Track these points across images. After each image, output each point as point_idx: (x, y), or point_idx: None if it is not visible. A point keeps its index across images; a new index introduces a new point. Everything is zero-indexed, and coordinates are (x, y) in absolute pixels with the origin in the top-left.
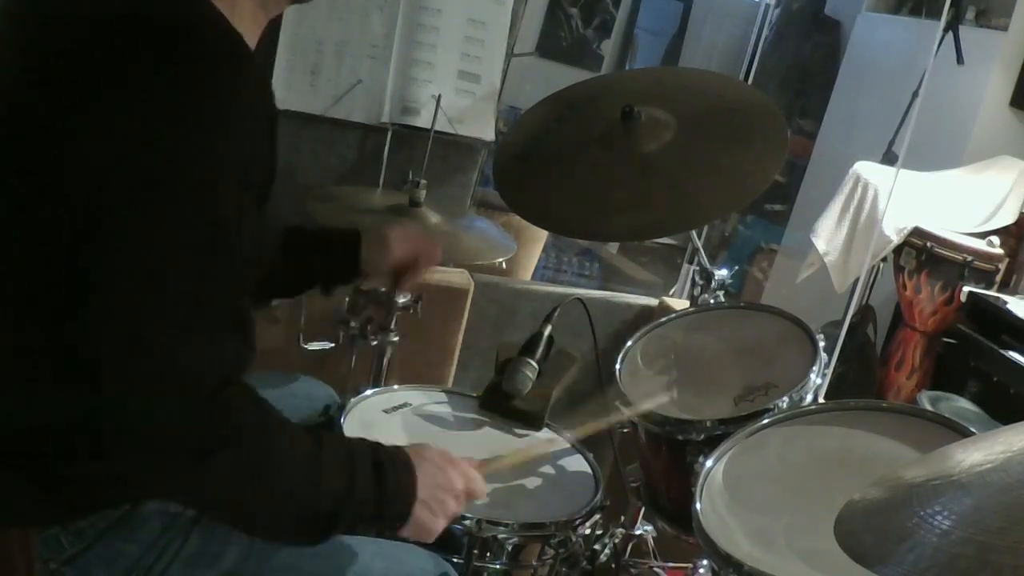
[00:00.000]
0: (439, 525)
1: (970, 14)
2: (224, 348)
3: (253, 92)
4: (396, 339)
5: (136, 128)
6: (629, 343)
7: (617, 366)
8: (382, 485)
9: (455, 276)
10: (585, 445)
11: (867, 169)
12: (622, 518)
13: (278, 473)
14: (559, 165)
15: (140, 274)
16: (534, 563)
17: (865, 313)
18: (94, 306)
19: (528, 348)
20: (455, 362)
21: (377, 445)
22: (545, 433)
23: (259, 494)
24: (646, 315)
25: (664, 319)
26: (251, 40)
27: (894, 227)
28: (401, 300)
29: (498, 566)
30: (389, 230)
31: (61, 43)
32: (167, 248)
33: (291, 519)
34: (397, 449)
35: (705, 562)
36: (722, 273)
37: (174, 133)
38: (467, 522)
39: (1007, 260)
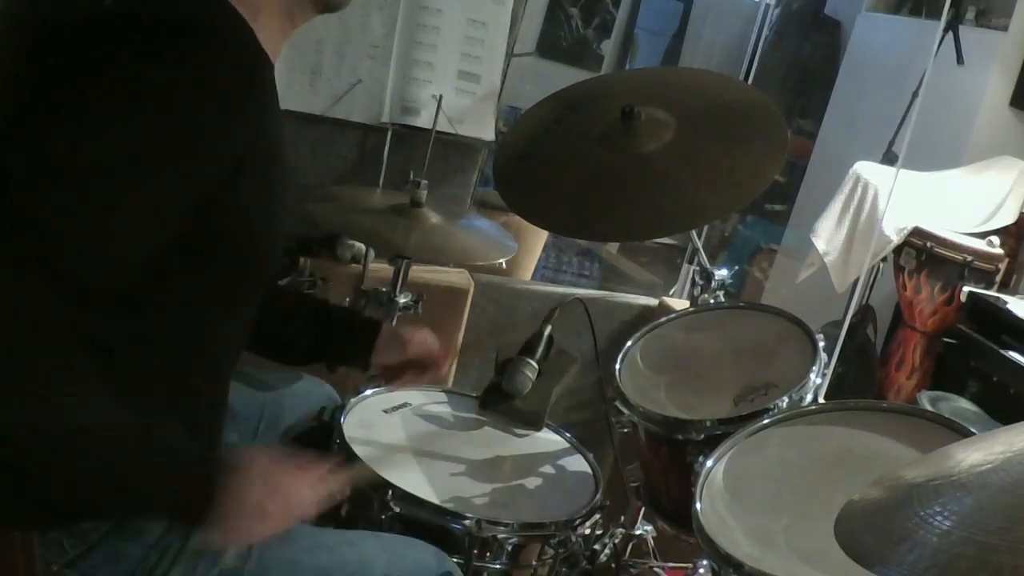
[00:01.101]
0: (259, 532)
1: (970, 14)
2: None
3: (258, 98)
4: None
5: (97, 99)
6: (629, 343)
7: (617, 366)
8: (209, 475)
9: (455, 276)
10: (585, 445)
11: (867, 169)
12: (622, 518)
13: (79, 422)
14: (559, 165)
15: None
16: (534, 563)
17: (865, 313)
18: None
19: (528, 348)
20: (455, 362)
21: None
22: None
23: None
24: (646, 315)
25: (664, 319)
26: (274, 46)
27: (894, 227)
28: (401, 300)
29: (498, 566)
30: (407, 333)
31: (56, 30)
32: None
33: (94, 480)
34: (227, 450)
35: (705, 562)
36: (722, 273)
37: (129, 109)
38: (467, 522)
39: (1007, 260)
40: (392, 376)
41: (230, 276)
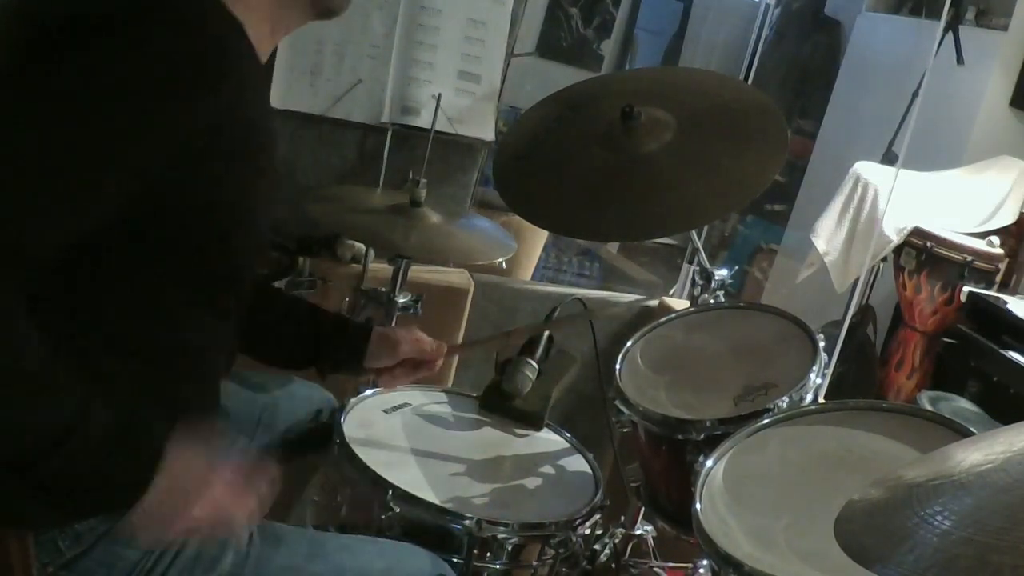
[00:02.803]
0: (165, 532)
1: (970, 14)
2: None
3: (223, 81)
4: None
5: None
6: (629, 343)
7: (617, 366)
8: (123, 436)
9: (455, 276)
10: (585, 445)
11: (867, 169)
12: (622, 518)
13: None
14: (559, 165)
15: None
16: (534, 563)
17: (865, 313)
18: None
19: (528, 348)
20: (455, 362)
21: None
22: (546, 433)
23: None
24: (646, 315)
25: (664, 319)
26: (264, 46)
27: (894, 227)
28: (401, 300)
29: (498, 566)
30: (398, 334)
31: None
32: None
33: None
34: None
35: (705, 562)
36: (722, 273)
37: (99, 97)
38: (467, 522)
39: (1007, 260)
40: (385, 376)
41: (202, 266)
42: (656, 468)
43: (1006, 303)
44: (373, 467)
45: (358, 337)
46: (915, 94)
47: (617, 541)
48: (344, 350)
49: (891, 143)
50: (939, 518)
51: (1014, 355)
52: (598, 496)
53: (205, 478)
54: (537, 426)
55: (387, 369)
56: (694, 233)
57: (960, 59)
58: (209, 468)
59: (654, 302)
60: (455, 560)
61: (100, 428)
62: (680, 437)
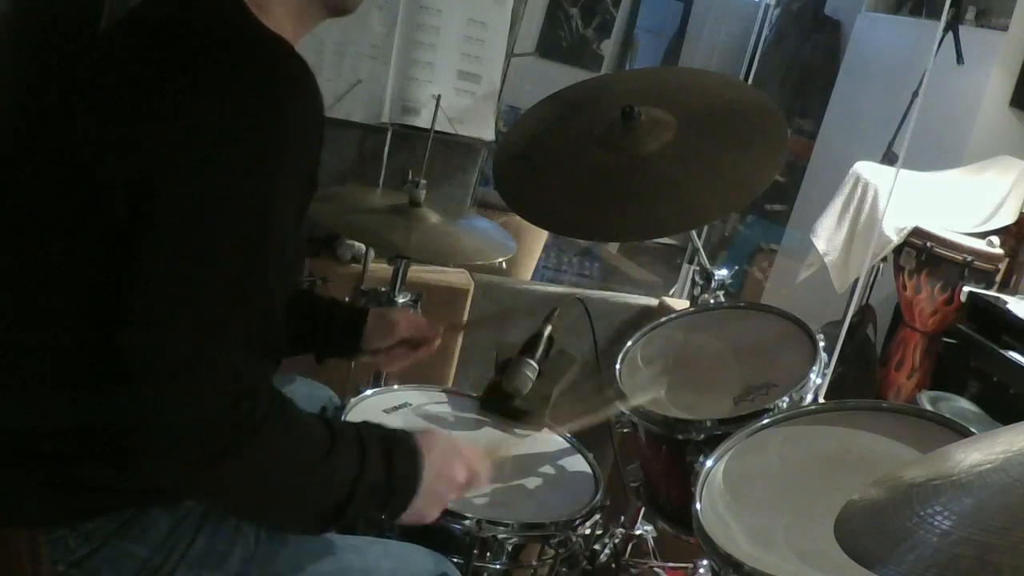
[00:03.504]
0: (434, 514)
1: (970, 14)
2: (258, 354)
3: (315, 103)
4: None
5: (202, 140)
6: (629, 343)
7: (617, 366)
8: (391, 476)
9: (455, 276)
10: (585, 445)
11: (867, 169)
12: (622, 518)
13: (293, 470)
14: (559, 165)
15: (180, 280)
16: (534, 563)
17: (865, 313)
18: (133, 310)
19: (528, 348)
20: (455, 362)
21: (388, 433)
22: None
23: (274, 490)
24: (646, 315)
25: (664, 319)
26: None
27: (894, 227)
28: (401, 300)
29: (498, 566)
30: (395, 314)
31: (114, 49)
32: (221, 258)
33: (302, 512)
34: (407, 436)
35: (705, 562)
36: (722, 273)
37: (236, 148)
38: (467, 522)
39: (1007, 260)
40: (384, 357)
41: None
42: (656, 468)
43: (1006, 303)
44: None
45: (355, 319)
46: (915, 94)
47: (617, 541)
48: (341, 332)
49: (891, 143)
50: (939, 518)
51: (1014, 355)
52: (598, 496)
53: (450, 447)
54: (537, 426)
55: (385, 349)
56: (694, 233)
57: (960, 59)
58: (444, 437)
59: (654, 302)
60: (455, 560)
61: (376, 462)
62: (680, 437)
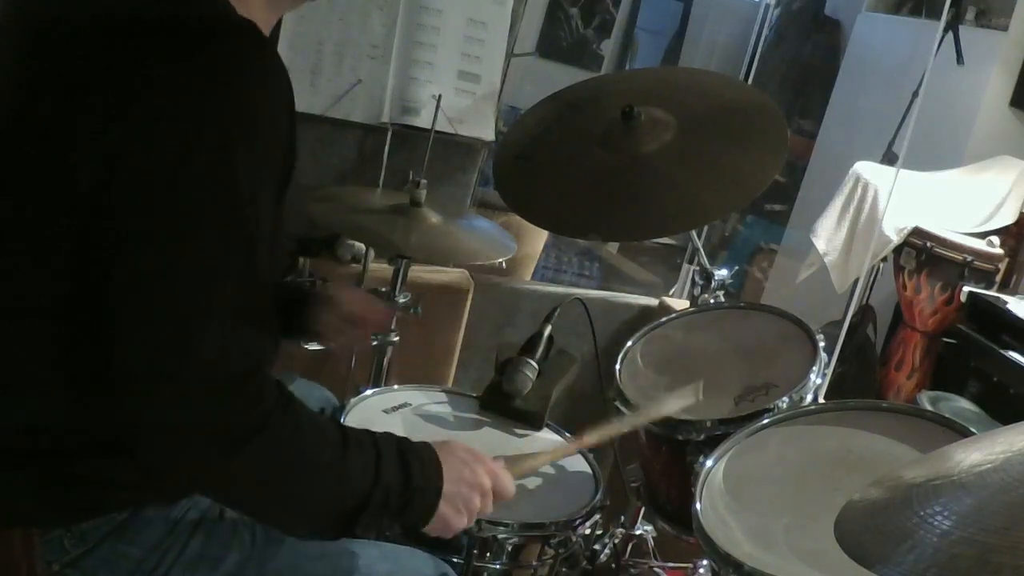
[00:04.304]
0: (463, 522)
1: (970, 14)
2: (249, 341)
3: (279, 81)
4: (396, 339)
5: (175, 131)
6: (629, 343)
7: (617, 366)
8: (408, 480)
9: (455, 276)
10: None
11: (867, 169)
12: (622, 518)
13: (305, 467)
14: (559, 165)
15: (170, 272)
16: (534, 563)
17: (865, 313)
18: (112, 310)
19: (528, 348)
20: (455, 362)
21: (403, 439)
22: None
23: (285, 488)
24: (646, 315)
25: (664, 319)
26: (267, 28)
27: (894, 227)
28: (401, 300)
29: (498, 566)
30: (337, 290)
31: (79, 44)
32: (196, 247)
33: (316, 513)
34: (423, 444)
35: (705, 562)
36: (722, 273)
37: (210, 135)
38: None
39: (1007, 260)
40: (337, 336)
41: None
42: (656, 468)
43: (1006, 303)
44: None
45: (298, 301)
46: (915, 94)
47: (617, 541)
48: (289, 317)
49: (891, 143)
50: (939, 518)
51: (1014, 355)
52: (598, 496)
53: (470, 454)
54: (537, 426)
55: (336, 328)
56: (694, 233)
57: (960, 59)
58: (463, 446)
59: (654, 302)
60: (455, 560)
61: (391, 465)
62: (680, 437)
